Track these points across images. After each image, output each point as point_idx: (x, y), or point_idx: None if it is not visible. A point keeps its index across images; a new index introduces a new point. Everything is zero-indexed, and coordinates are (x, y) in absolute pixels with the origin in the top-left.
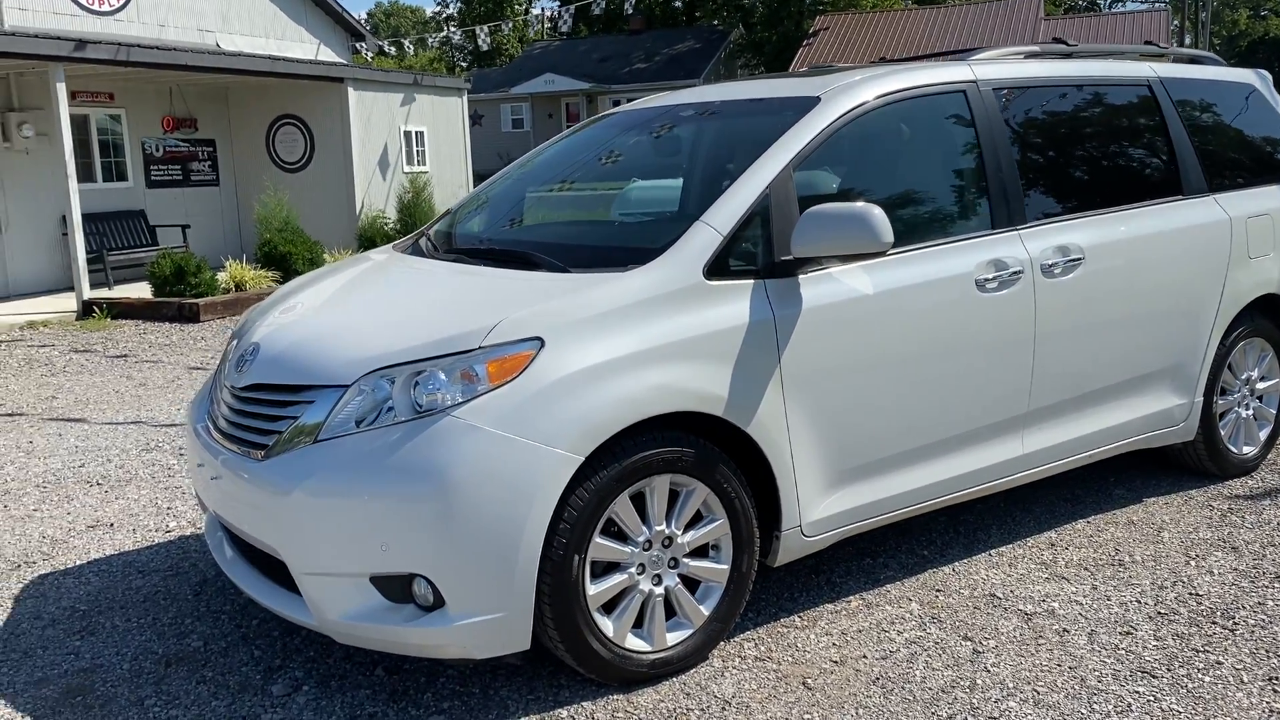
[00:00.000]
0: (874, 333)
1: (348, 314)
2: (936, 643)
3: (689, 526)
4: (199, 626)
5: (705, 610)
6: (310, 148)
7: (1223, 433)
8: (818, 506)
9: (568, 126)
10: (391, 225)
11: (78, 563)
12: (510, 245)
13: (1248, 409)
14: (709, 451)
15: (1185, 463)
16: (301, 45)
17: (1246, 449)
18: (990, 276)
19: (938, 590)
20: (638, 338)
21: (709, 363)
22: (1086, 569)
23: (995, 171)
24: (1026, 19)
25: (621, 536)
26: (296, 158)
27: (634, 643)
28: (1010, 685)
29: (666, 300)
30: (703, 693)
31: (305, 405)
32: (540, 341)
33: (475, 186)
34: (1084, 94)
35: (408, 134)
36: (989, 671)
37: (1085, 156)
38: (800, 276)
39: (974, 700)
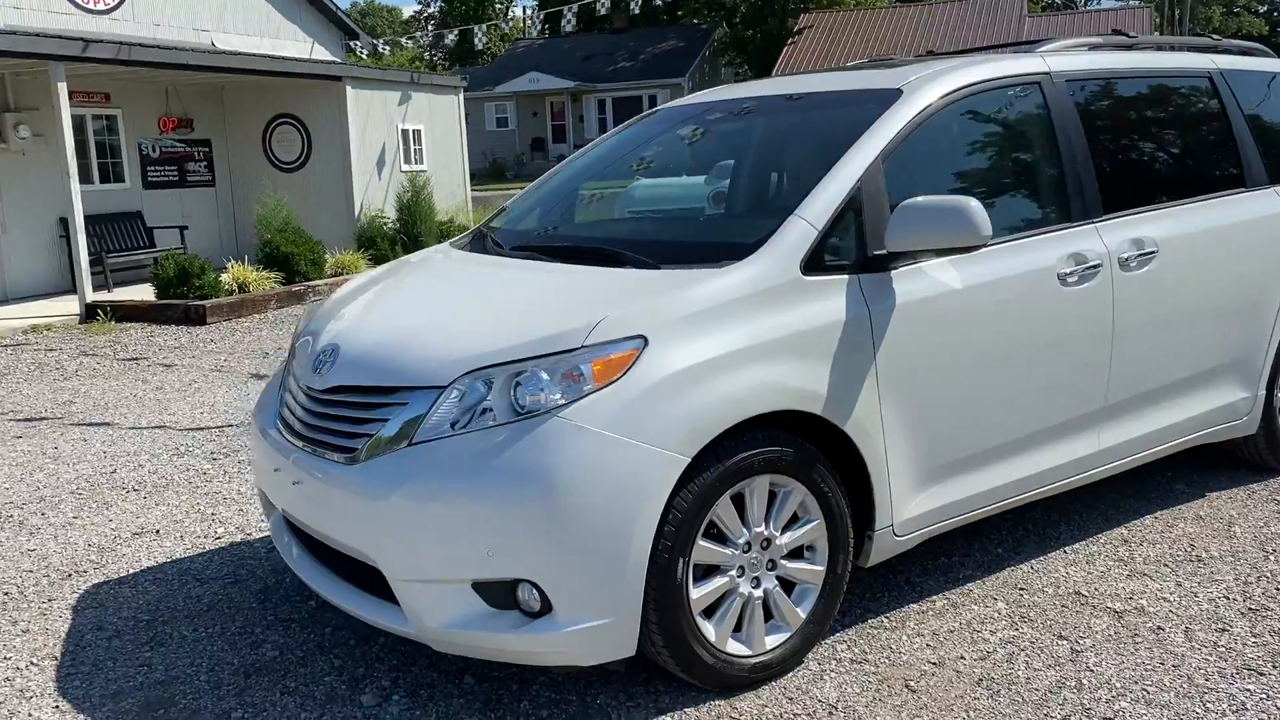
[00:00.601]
0: (964, 328)
1: (433, 314)
2: (1032, 642)
3: (786, 528)
4: (271, 635)
5: (802, 613)
6: (308, 147)
7: None
8: (909, 505)
9: (552, 125)
10: (391, 224)
11: (130, 571)
12: (592, 242)
13: None
14: (806, 451)
15: (1243, 457)
16: (295, 44)
17: None
18: (1070, 270)
19: (1021, 589)
20: (739, 335)
21: (808, 360)
22: (1166, 565)
23: (1071, 163)
24: (1010, 17)
25: (721, 539)
26: (294, 157)
27: (734, 647)
28: (1118, 685)
29: (765, 296)
30: (805, 696)
31: (396, 407)
32: (644, 340)
33: (470, 185)
34: (1151, 85)
35: (405, 132)
36: (1092, 671)
37: (1154, 148)
38: (892, 271)
39: (1083, 700)
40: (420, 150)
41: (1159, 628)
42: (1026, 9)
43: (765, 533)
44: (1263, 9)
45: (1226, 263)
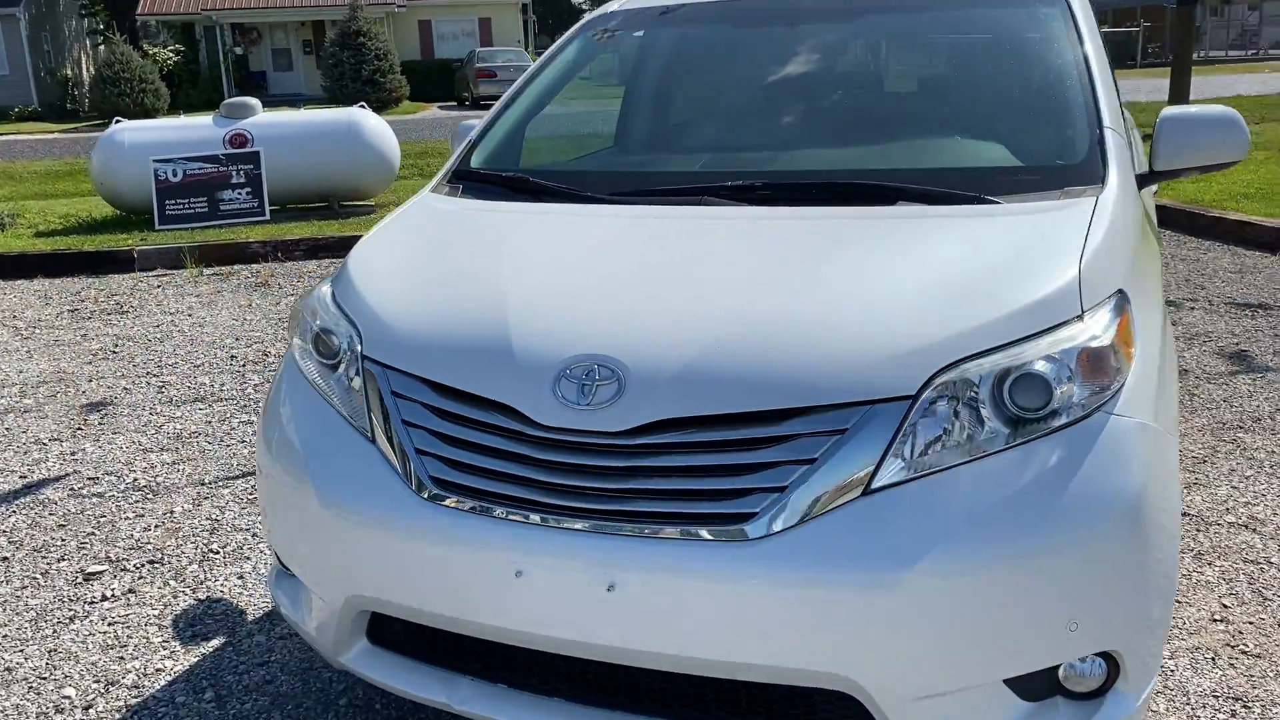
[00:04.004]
0: None
1: (767, 293)
2: (1248, 575)
3: None
4: None
5: None
6: None
7: None
8: None
9: None
10: None
11: None
12: (870, 177)
13: None
14: None
15: None
16: None
17: None
18: None
19: None
20: (1151, 277)
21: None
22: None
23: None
24: None
25: None
26: None
27: None
28: None
29: (1137, 227)
30: (1187, 694)
31: (816, 440)
32: (1124, 296)
33: None
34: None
35: None
36: None
37: None
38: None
39: None
40: None
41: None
42: None
43: None
44: None
45: None
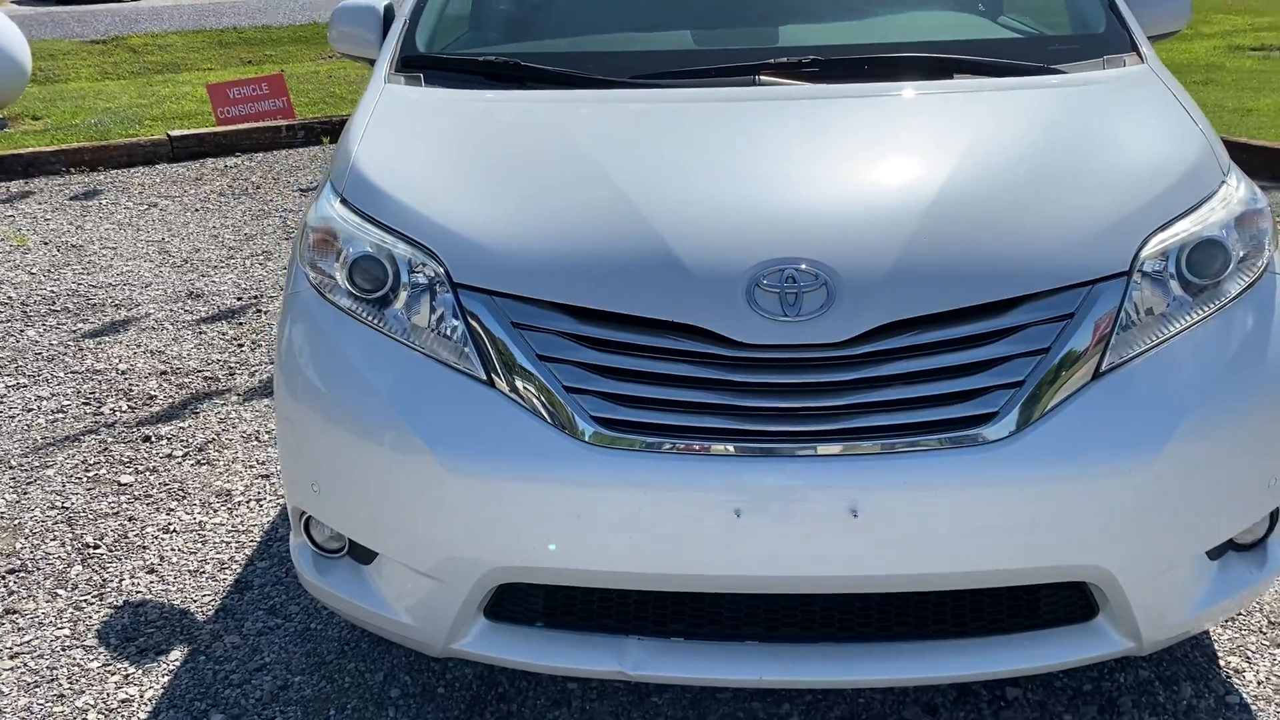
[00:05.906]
0: None
1: (921, 181)
2: None
3: None
4: None
5: None
6: None
7: None
8: None
9: None
10: None
11: None
12: (931, 50)
13: None
14: None
15: None
16: None
17: None
18: None
19: None
20: None
21: None
22: None
23: None
24: None
25: None
26: None
27: None
28: None
29: None
30: None
31: (1051, 325)
32: (1230, 159)
33: None
34: None
35: None
36: None
37: None
38: None
39: None
40: None
41: None
42: None
43: None
44: None
45: None
